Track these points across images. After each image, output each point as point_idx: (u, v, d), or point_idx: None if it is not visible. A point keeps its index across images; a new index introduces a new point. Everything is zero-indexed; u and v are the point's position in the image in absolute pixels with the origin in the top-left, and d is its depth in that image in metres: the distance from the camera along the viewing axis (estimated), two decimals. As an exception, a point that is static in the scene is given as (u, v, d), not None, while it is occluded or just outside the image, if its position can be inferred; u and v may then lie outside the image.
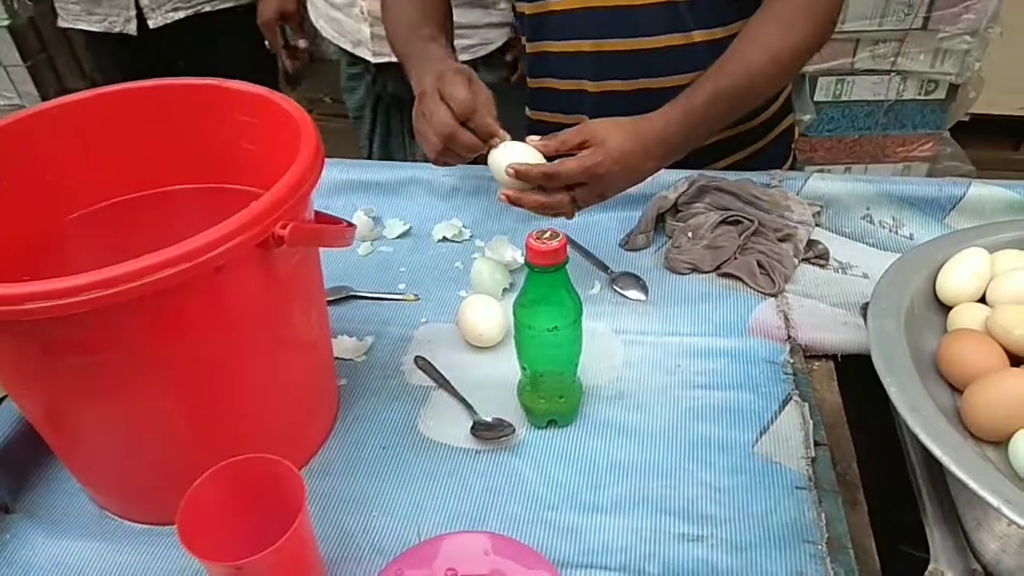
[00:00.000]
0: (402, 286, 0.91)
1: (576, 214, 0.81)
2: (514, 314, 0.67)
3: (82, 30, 1.73)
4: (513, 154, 0.77)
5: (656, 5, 0.92)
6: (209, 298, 0.54)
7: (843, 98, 2.29)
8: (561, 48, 1.00)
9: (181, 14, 1.70)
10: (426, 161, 0.86)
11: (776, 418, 0.72)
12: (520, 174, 0.77)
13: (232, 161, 0.69)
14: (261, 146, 0.68)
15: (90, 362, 0.54)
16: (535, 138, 0.79)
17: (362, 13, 1.42)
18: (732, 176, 0.96)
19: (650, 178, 0.94)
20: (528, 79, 1.09)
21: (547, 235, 0.62)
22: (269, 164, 0.66)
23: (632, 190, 0.94)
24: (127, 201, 0.70)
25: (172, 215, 0.70)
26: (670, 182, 0.96)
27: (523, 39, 1.06)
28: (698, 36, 0.94)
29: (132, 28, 1.68)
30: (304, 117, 0.63)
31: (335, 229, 0.60)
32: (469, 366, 0.79)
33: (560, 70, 1.02)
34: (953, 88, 2.25)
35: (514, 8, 1.06)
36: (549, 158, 0.78)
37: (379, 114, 1.58)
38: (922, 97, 2.29)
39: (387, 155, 1.62)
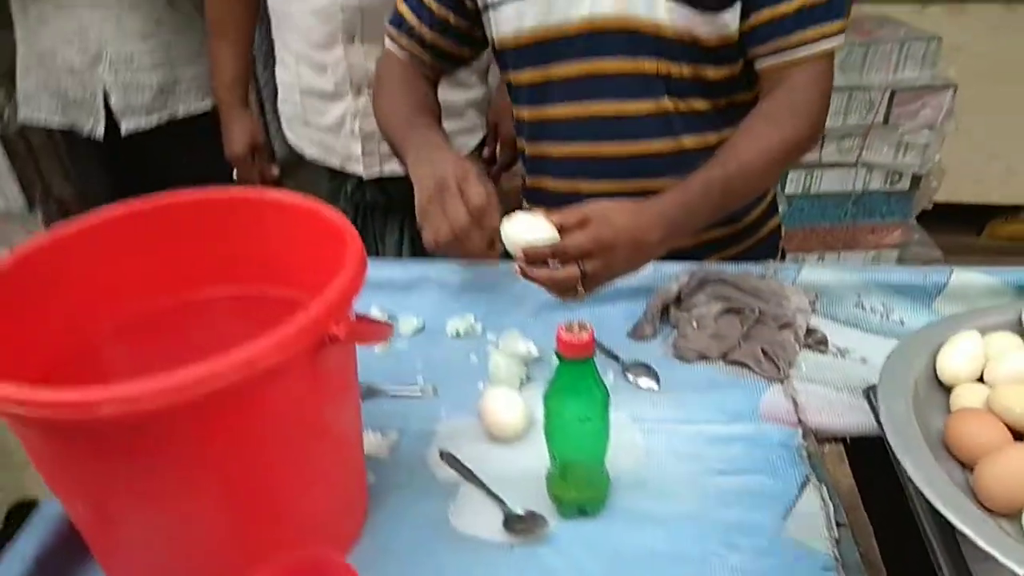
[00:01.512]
0: (420, 380, 0.93)
1: (586, 297, 0.84)
2: (545, 405, 0.70)
3: (63, 132, 1.75)
4: (526, 226, 0.82)
5: (648, 115, 0.99)
6: (265, 398, 0.56)
7: (812, 190, 2.41)
8: (559, 150, 1.06)
9: (155, 120, 1.73)
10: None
11: (797, 501, 0.75)
12: (530, 257, 0.81)
13: (267, 268, 0.72)
14: (296, 253, 0.71)
15: (143, 465, 0.56)
16: (543, 211, 0.84)
17: (353, 133, 1.48)
18: (731, 268, 1.02)
19: (652, 271, 1.00)
20: (526, 177, 1.16)
21: (576, 327, 0.66)
22: (305, 270, 0.70)
23: (636, 282, 0.99)
24: (163, 308, 0.72)
25: (208, 321, 0.73)
26: (672, 274, 1.01)
27: (523, 141, 1.13)
28: (688, 142, 1.01)
29: (99, 132, 1.70)
30: (343, 220, 0.67)
31: (379, 328, 0.64)
32: (494, 459, 0.81)
33: (557, 170, 1.09)
34: (916, 178, 2.37)
35: (514, 114, 1.13)
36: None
37: (358, 220, 1.62)
38: (888, 188, 2.41)
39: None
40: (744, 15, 0.92)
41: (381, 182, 1.53)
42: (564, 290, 0.83)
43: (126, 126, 1.70)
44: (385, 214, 1.59)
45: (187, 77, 1.74)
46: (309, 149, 1.58)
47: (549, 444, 0.72)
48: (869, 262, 2.45)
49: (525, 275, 0.83)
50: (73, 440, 0.54)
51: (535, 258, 0.81)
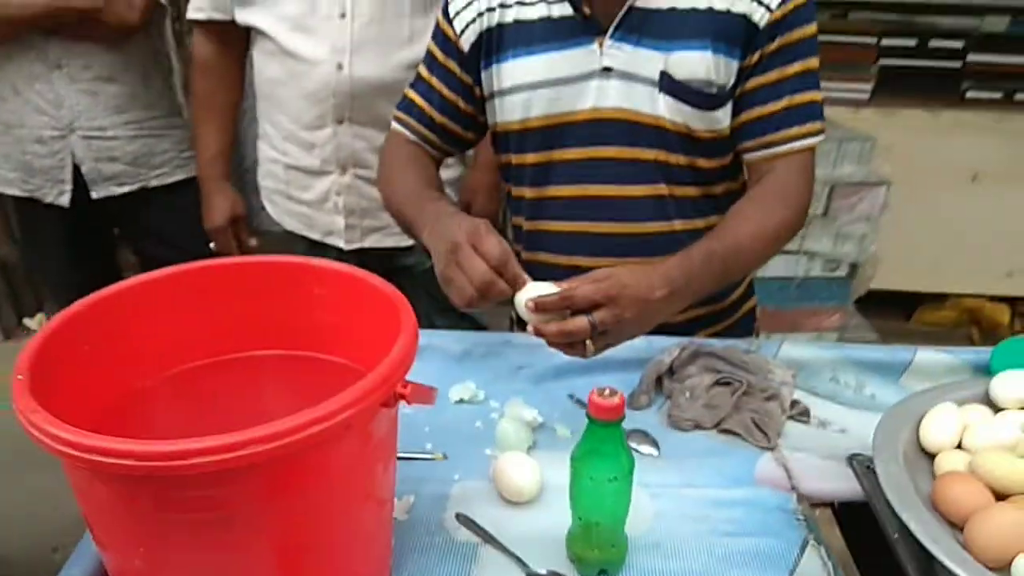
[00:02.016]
0: (429, 446, 0.96)
1: (594, 353, 0.88)
2: (572, 465, 0.74)
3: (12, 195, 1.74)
4: (537, 290, 0.86)
5: (644, 197, 1.07)
6: (331, 455, 0.59)
7: (759, 274, 2.55)
8: (559, 227, 1.13)
9: (126, 188, 1.74)
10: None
11: (799, 561, 0.80)
12: (539, 306, 0.85)
13: (314, 333, 0.75)
14: (339, 318, 0.75)
15: (202, 519, 0.57)
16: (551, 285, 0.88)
17: (337, 207, 1.53)
18: (718, 343, 1.09)
19: (646, 344, 1.06)
20: (523, 252, 1.21)
21: (607, 392, 0.71)
22: (352, 337, 0.73)
23: (630, 354, 1.05)
24: (209, 365, 0.74)
25: (252, 379, 0.75)
26: (664, 348, 1.07)
27: (521, 218, 1.19)
28: (679, 225, 1.09)
29: (65, 200, 1.70)
30: (392, 289, 0.71)
31: (431, 390, 0.67)
32: (510, 521, 0.84)
33: (555, 246, 1.15)
34: (853, 266, 2.54)
35: (511, 193, 1.19)
36: None
37: None
38: (827, 274, 2.57)
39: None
40: (735, 113, 1.02)
41: (359, 253, 1.57)
42: (573, 343, 0.87)
43: (97, 193, 1.71)
44: None
45: (160, 150, 1.77)
46: (290, 222, 1.61)
47: (574, 504, 0.76)
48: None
49: (536, 333, 0.86)
50: (139, 491, 0.55)
51: (544, 307, 0.84)
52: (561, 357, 1.06)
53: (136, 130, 1.72)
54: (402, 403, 1.02)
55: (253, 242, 1.72)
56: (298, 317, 0.76)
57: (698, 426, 0.99)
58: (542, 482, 0.87)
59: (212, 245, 1.69)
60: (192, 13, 1.54)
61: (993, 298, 2.95)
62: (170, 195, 1.80)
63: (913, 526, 0.68)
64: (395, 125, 1.17)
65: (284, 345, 0.76)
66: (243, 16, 1.47)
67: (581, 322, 0.85)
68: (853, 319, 2.65)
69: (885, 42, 2.79)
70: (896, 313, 2.89)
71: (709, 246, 0.94)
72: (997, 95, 2.77)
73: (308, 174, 1.51)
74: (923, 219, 2.75)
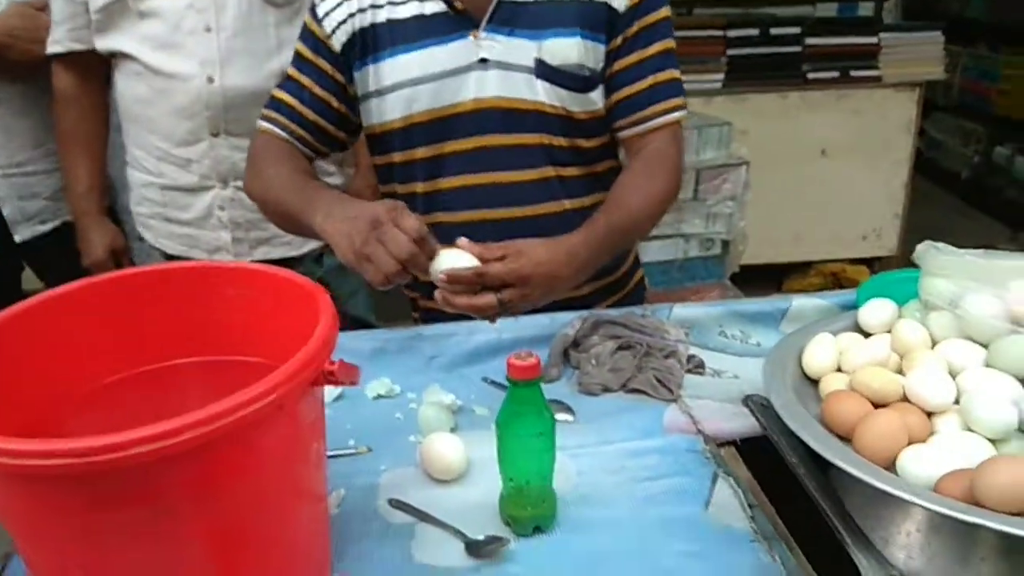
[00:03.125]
0: (352, 442, 0.97)
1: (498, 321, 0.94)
2: (498, 429, 0.77)
3: None
4: (451, 259, 0.90)
5: (534, 181, 1.13)
6: (263, 438, 0.60)
7: (643, 260, 2.68)
8: (454, 218, 1.16)
9: (48, 226, 1.69)
10: None
11: (713, 492, 0.86)
12: (451, 278, 0.89)
13: (228, 334, 0.75)
14: (254, 317, 0.75)
15: (139, 516, 0.57)
16: (465, 241, 0.93)
17: (220, 222, 1.51)
18: (616, 312, 1.15)
19: (549, 321, 1.11)
20: None
21: (523, 354, 0.75)
22: (266, 333, 0.74)
23: (536, 332, 1.10)
24: (128, 378, 0.73)
25: (173, 388, 0.74)
26: (567, 321, 1.13)
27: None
28: (568, 204, 1.15)
29: None
30: (303, 279, 0.72)
31: (355, 368, 0.69)
32: (442, 498, 0.86)
33: (452, 237, 1.18)
34: (726, 244, 2.71)
35: (395, 193, 1.20)
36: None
37: None
38: (703, 254, 2.73)
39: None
40: (607, 94, 1.09)
41: None
42: (483, 314, 0.92)
43: (21, 235, 1.66)
44: None
45: None
46: (171, 245, 1.57)
47: (503, 467, 0.79)
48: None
49: (445, 301, 0.91)
50: (78, 493, 0.54)
51: (456, 280, 0.89)
52: (471, 344, 1.11)
53: (55, 162, 1.67)
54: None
55: None
56: (213, 321, 0.76)
57: (607, 389, 1.05)
58: (468, 459, 0.90)
59: None
60: (51, 47, 1.50)
61: (853, 261, 3.21)
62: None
63: (808, 440, 0.76)
64: (264, 124, 1.15)
65: (202, 351, 0.76)
66: (104, 43, 1.43)
67: (490, 299, 0.90)
68: (730, 292, 2.82)
69: (731, 33, 3.00)
70: (768, 284, 3.10)
71: (607, 219, 1.01)
72: (835, 74, 3.03)
73: (186, 192, 1.49)
74: (782, 195, 2.97)
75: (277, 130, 1.14)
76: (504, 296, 0.91)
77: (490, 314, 0.92)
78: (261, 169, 1.12)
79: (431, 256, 0.90)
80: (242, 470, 0.59)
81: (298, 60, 1.14)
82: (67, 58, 1.50)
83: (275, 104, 1.15)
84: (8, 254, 1.70)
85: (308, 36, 1.13)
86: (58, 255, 1.71)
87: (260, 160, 1.13)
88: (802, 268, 3.22)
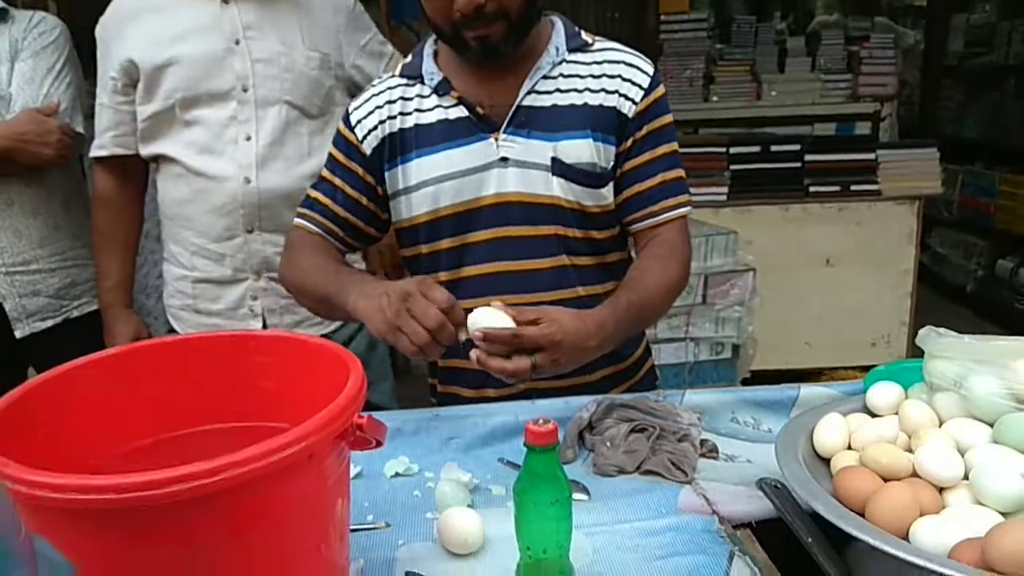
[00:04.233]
0: (370, 518, 0.98)
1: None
2: (515, 496, 0.79)
3: None
4: (487, 318, 0.94)
5: (549, 269, 1.19)
6: (294, 487, 0.62)
7: (656, 363, 2.72)
8: (473, 304, 1.20)
9: (50, 323, 1.72)
10: None
11: (730, 570, 0.86)
12: (489, 336, 0.93)
13: (257, 401, 0.78)
14: (284, 383, 0.79)
15: (171, 556, 0.59)
16: (499, 303, 0.97)
17: (251, 311, 1.56)
18: (628, 396, 1.18)
19: (564, 404, 1.14)
20: None
21: (540, 421, 0.78)
22: (295, 399, 0.78)
23: (552, 415, 1.12)
24: (156, 443, 0.76)
25: (204, 453, 0.76)
26: (581, 405, 1.15)
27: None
28: (582, 291, 1.21)
29: None
30: (334, 344, 0.76)
31: (382, 424, 0.72)
32: (459, 572, 0.87)
33: None
34: (736, 348, 2.74)
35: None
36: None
37: None
38: (714, 357, 2.75)
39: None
40: (617, 191, 1.17)
41: None
42: (515, 378, 0.96)
43: (21, 331, 1.69)
44: None
45: (82, 279, 1.77)
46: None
47: (520, 537, 0.80)
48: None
49: (480, 363, 0.94)
50: (118, 527, 0.56)
51: (493, 339, 0.93)
52: (488, 426, 1.14)
53: (59, 262, 1.73)
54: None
55: None
56: (245, 388, 0.79)
57: (621, 471, 1.06)
58: (485, 534, 0.91)
59: None
60: (95, 151, 1.60)
61: (863, 368, 3.22)
62: (93, 327, 1.77)
63: (823, 512, 0.77)
64: (298, 220, 1.24)
65: (233, 418, 0.79)
66: (149, 149, 1.54)
67: (525, 363, 0.94)
68: (743, 398, 2.81)
69: (733, 150, 3.15)
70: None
71: (628, 297, 1.07)
72: (835, 188, 3.15)
73: (218, 284, 1.55)
74: (790, 302, 3.02)
75: (311, 226, 1.23)
76: (536, 359, 0.95)
77: (522, 378, 0.95)
78: (296, 259, 1.20)
79: (459, 324, 0.94)
80: (272, 515, 0.61)
81: (332, 162, 1.23)
82: (109, 161, 1.60)
83: (310, 203, 1.24)
84: (12, 353, 1.72)
85: (341, 141, 1.23)
86: (55, 352, 1.75)
87: (295, 251, 1.22)
88: (813, 375, 3.23)
